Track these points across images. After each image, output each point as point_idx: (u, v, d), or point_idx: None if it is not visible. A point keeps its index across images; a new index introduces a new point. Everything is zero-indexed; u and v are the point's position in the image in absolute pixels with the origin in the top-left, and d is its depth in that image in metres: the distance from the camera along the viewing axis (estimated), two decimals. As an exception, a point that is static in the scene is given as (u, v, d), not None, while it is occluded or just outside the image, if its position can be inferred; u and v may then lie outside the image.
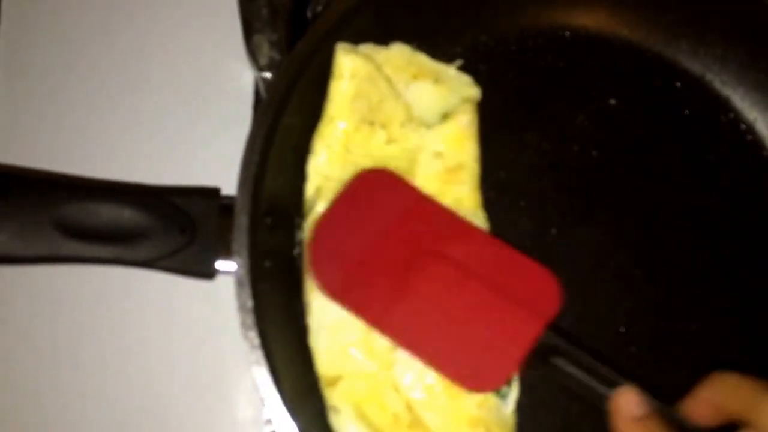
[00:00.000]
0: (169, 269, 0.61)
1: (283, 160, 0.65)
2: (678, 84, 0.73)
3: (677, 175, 0.71)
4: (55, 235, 0.60)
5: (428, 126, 0.67)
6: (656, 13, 0.73)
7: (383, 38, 0.69)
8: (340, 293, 0.61)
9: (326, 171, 0.65)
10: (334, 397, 0.62)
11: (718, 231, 0.70)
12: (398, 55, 0.69)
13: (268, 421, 0.58)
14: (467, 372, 0.60)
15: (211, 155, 0.72)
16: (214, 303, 0.68)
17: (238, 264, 0.59)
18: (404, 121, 0.67)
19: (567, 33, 0.74)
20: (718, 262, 0.70)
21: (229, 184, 0.62)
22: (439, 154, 0.66)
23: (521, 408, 0.64)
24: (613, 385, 0.57)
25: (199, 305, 0.70)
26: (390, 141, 0.66)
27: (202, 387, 0.70)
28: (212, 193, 0.62)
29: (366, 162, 0.65)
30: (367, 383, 0.62)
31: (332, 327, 0.62)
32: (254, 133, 0.62)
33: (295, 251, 0.66)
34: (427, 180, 0.66)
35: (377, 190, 0.64)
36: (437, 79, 0.69)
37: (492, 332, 0.60)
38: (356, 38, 0.67)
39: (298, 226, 0.66)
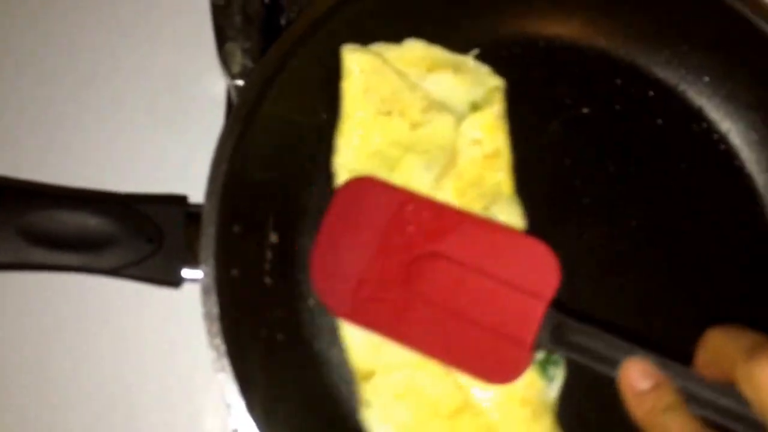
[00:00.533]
0: (136, 277, 0.61)
1: (254, 168, 0.65)
2: (651, 93, 0.73)
3: (649, 183, 0.71)
4: (21, 242, 0.59)
5: (457, 113, 0.68)
6: (629, 23, 0.73)
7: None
8: (350, 314, 0.62)
9: (352, 165, 0.67)
10: (367, 391, 0.63)
11: (689, 240, 0.70)
12: (411, 50, 0.70)
13: (235, 431, 0.57)
14: (487, 366, 0.60)
15: (183, 163, 0.72)
16: (181, 311, 0.68)
17: (204, 272, 0.59)
18: (425, 107, 0.68)
19: (541, 42, 0.74)
20: (689, 270, 0.69)
21: (200, 192, 0.62)
22: (477, 141, 0.67)
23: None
24: (627, 354, 0.54)
25: (166, 313, 0.70)
26: (415, 126, 0.67)
27: (168, 396, 0.70)
28: (179, 200, 0.62)
29: (394, 150, 0.67)
30: (403, 374, 0.63)
31: None
32: (222, 140, 0.62)
33: (269, 258, 0.66)
34: (468, 166, 0.67)
35: (361, 199, 0.64)
36: (456, 70, 0.70)
37: (500, 321, 0.59)
38: (330, 42, 0.68)
39: (274, 234, 0.67)
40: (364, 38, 0.69)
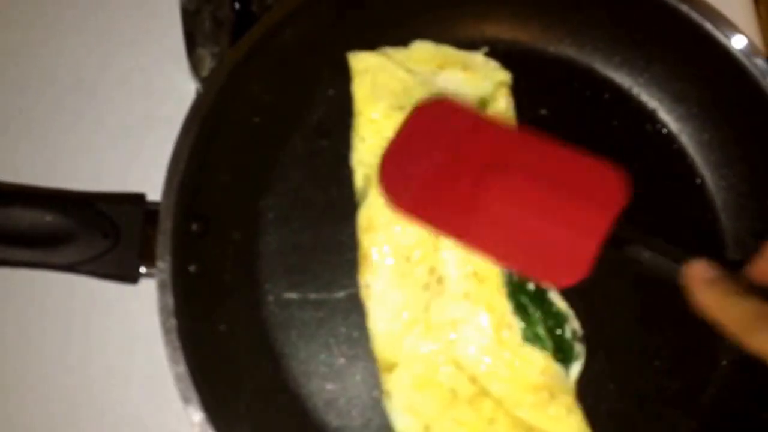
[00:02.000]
0: (92, 273, 0.62)
1: (212, 168, 0.66)
2: (607, 96, 0.75)
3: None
4: (-22, 238, 0.60)
5: None
6: (584, 29, 0.75)
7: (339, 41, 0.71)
8: (414, 208, 0.63)
9: (369, 160, 0.68)
10: (389, 382, 0.64)
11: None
12: (420, 51, 0.72)
13: (193, 424, 0.58)
14: (550, 267, 0.61)
15: (152, 163, 0.72)
16: (139, 306, 0.69)
17: (160, 268, 0.60)
18: None
19: (501, 46, 0.75)
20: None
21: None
22: None
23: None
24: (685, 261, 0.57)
25: (124, 309, 0.71)
26: None
27: (125, 390, 0.71)
28: (137, 199, 0.64)
29: None
30: (424, 364, 0.64)
31: (394, 307, 0.65)
32: (180, 140, 0.63)
33: (230, 255, 0.68)
34: None
35: (437, 117, 0.66)
36: (465, 67, 0.72)
37: (567, 229, 0.61)
38: (288, 47, 0.69)
39: (236, 232, 0.68)
40: (320, 43, 0.71)
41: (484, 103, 0.70)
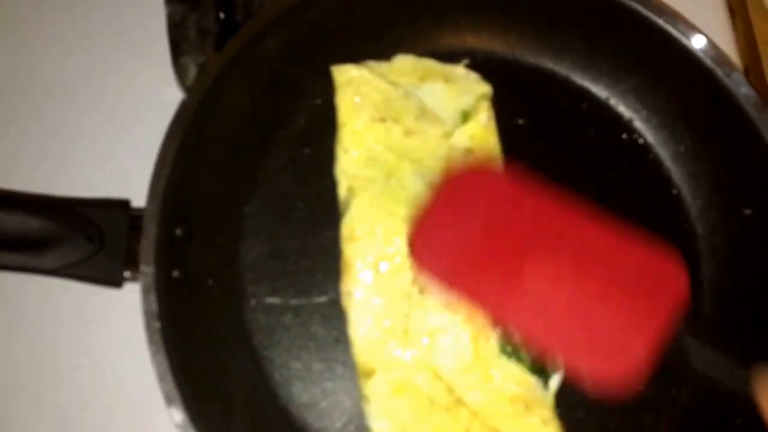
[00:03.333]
0: (78, 277, 0.63)
1: (196, 174, 0.67)
2: (584, 106, 0.76)
3: (582, 192, 0.73)
4: (-37, 242, 0.61)
5: (448, 123, 0.72)
6: (563, 41, 0.76)
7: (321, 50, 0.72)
8: (451, 279, 0.60)
9: (352, 171, 0.70)
10: (368, 387, 0.66)
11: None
12: (402, 63, 0.73)
13: (175, 424, 0.59)
14: (597, 365, 0.56)
15: (137, 170, 0.73)
16: (123, 310, 0.70)
17: (144, 272, 0.61)
18: (418, 114, 0.71)
19: (479, 56, 0.77)
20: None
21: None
22: (469, 150, 0.71)
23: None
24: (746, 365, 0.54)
25: (109, 312, 0.72)
26: (408, 133, 0.70)
27: (108, 393, 0.72)
28: (122, 204, 0.65)
29: (389, 156, 0.69)
30: (403, 371, 0.66)
31: (375, 314, 0.66)
32: (164, 147, 0.64)
33: (213, 260, 0.69)
34: None
35: (474, 186, 0.63)
36: (447, 79, 0.73)
37: (620, 324, 0.56)
38: (271, 57, 0.70)
39: (219, 237, 0.70)
40: (303, 52, 0.72)
41: (465, 116, 0.72)
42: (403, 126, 0.70)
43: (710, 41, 0.70)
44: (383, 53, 0.74)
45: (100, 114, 0.79)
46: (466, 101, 0.72)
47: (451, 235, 0.61)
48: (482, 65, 0.76)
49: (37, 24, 0.82)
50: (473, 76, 0.74)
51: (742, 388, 0.55)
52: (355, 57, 0.73)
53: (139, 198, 0.64)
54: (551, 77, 0.77)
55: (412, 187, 0.69)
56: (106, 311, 0.72)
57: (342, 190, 0.70)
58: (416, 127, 0.71)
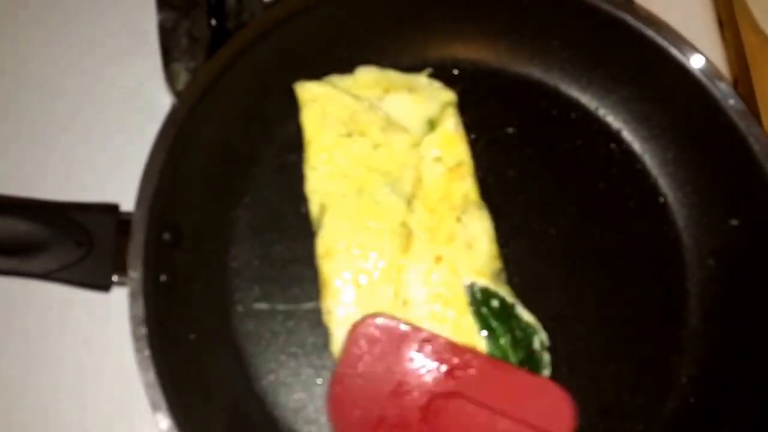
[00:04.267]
0: (66, 281, 0.63)
1: (185, 179, 0.67)
2: (573, 115, 0.77)
3: (569, 202, 0.74)
4: (-50, 245, 0.61)
5: (415, 133, 0.72)
6: (551, 50, 0.77)
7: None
8: None
9: (323, 188, 0.70)
10: None
11: (606, 257, 0.73)
12: (365, 76, 0.73)
13: (161, 430, 0.59)
14: None
15: (126, 175, 0.73)
16: (111, 314, 0.70)
17: (132, 277, 0.62)
18: (384, 126, 0.71)
19: (469, 66, 0.77)
20: (603, 273, 0.73)
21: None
22: (438, 159, 0.71)
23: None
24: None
25: (96, 316, 0.73)
26: (376, 146, 0.71)
27: (96, 398, 0.72)
28: (111, 208, 0.65)
29: (358, 170, 0.70)
30: None
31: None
32: (153, 152, 0.65)
33: (201, 266, 0.69)
34: (435, 184, 0.70)
35: (378, 339, 0.65)
36: (411, 89, 0.73)
37: None
38: (263, 65, 0.71)
39: (206, 243, 0.70)
40: (295, 58, 0.72)
41: (432, 123, 0.72)
42: (371, 139, 0.71)
43: (700, 53, 0.70)
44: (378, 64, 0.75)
45: (90, 118, 0.79)
46: (431, 109, 0.73)
47: (359, 395, 0.64)
48: (473, 75, 0.77)
49: (27, 28, 0.83)
50: (437, 85, 0.74)
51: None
52: (348, 64, 0.74)
53: (128, 202, 0.64)
54: (540, 87, 0.77)
55: (385, 200, 0.69)
56: (93, 315, 0.72)
57: (314, 208, 0.70)
58: (383, 139, 0.71)
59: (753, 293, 0.69)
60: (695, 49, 0.70)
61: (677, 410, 0.70)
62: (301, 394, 0.69)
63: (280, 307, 0.70)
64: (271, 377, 0.69)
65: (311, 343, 0.70)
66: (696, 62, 0.70)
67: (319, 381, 0.69)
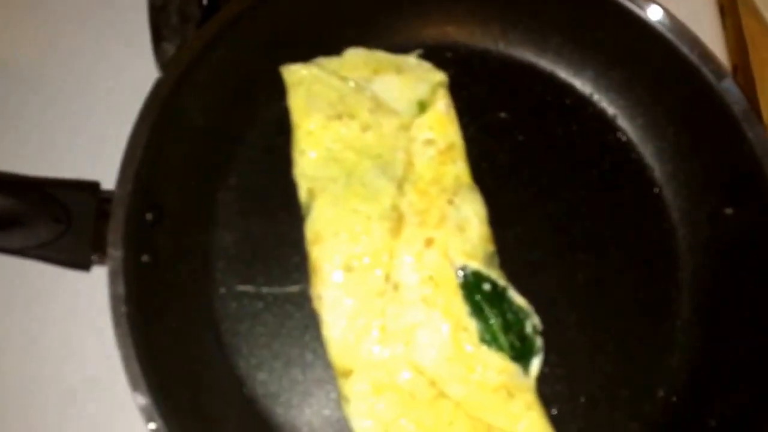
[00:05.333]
0: (44, 258, 0.62)
1: (172, 159, 0.66)
2: (567, 101, 0.76)
3: (562, 189, 0.73)
4: (-73, 220, 0.61)
5: (404, 115, 0.70)
6: (547, 34, 0.76)
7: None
8: None
9: (311, 173, 0.68)
10: (345, 388, 0.64)
11: (599, 245, 0.72)
12: (353, 57, 0.72)
13: (139, 408, 0.59)
14: None
15: (110, 153, 0.72)
16: (92, 294, 0.69)
17: (112, 256, 0.61)
18: (373, 108, 0.70)
19: (462, 49, 0.76)
20: (597, 271, 0.72)
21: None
22: (429, 141, 0.70)
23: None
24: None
25: (77, 295, 0.72)
26: (365, 128, 0.69)
27: (74, 378, 0.71)
28: (91, 186, 0.64)
29: (347, 153, 0.68)
30: (382, 369, 0.65)
31: (349, 315, 0.65)
32: (136, 129, 0.64)
33: (185, 246, 0.68)
34: (426, 166, 0.69)
35: None
36: (400, 70, 0.72)
37: None
38: (248, 43, 0.70)
39: (191, 223, 0.69)
40: (282, 37, 0.71)
41: (422, 105, 0.71)
42: (359, 121, 0.69)
43: (698, 39, 0.69)
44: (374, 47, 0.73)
45: (75, 95, 0.78)
46: (421, 91, 0.71)
47: None
48: (466, 58, 0.76)
49: (11, 4, 0.82)
50: (426, 66, 0.73)
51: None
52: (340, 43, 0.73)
53: (109, 180, 0.63)
54: (534, 71, 0.76)
55: (374, 184, 0.68)
56: (74, 294, 0.72)
57: (302, 193, 0.68)
58: (373, 122, 0.69)
59: (746, 283, 0.68)
60: (692, 35, 0.69)
61: (666, 400, 0.69)
62: (283, 379, 0.68)
63: (264, 290, 0.69)
64: (252, 360, 0.68)
65: (295, 327, 0.69)
66: (693, 49, 0.69)
67: (301, 365, 0.68)
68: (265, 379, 0.68)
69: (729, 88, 0.68)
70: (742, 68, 0.82)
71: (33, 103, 0.78)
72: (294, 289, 0.69)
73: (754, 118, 0.68)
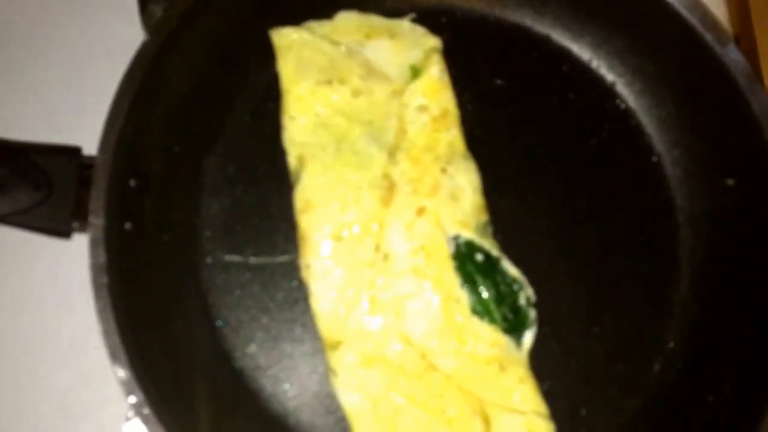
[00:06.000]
0: (23, 225, 0.60)
1: (153, 124, 0.64)
2: (565, 67, 0.74)
3: (560, 157, 0.71)
4: None
5: (397, 81, 0.69)
6: (542, -1, 0.73)
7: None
8: None
9: (301, 139, 0.67)
10: (333, 360, 0.63)
11: (596, 215, 0.71)
12: (345, 21, 0.70)
13: (119, 380, 0.57)
14: None
15: (92, 116, 0.70)
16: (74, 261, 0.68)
17: (93, 223, 0.59)
18: (364, 74, 0.68)
19: (458, 14, 0.74)
20: (594, 242, 0.70)
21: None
22: (423, 108, 0.68)
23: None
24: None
25: (58, 263, 0.70)
26: (356, 94, 0.67)
27: (57, 347, 0.70)
28: (73, 151, 0.62)
29: (338, 119, 0.67)
30: (371, 341, 0.63)
31: (338, 286, 0.64)
32: (120, 93, 0.62)
33: (170, 215, 0.66)
34: (419, 134, 0.67)
35: None
36: (392, 35, 0.70)
37: None
38: (240, 2, 0.68)
39: (177, 192, 0.67)
40: (273, 3, 0.69)
41: (415, 71, 0.69)
42: (350, 87, 0.67)
43: (700, 3, 0.67)
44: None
45: (58, 58, 0.77)
46: (414, 56, 0.70)
47: None
48: (460, 23, 0.74)
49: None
50: (420, 30, 0.71)
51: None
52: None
53: (92, 146, 0.61)
54: (531, 36, 0.74)
55: (365, 151, 0.66)
56: (55, 262, 0.70)
57: (292, 160, 0.67)
58: (364, 87, 0.68)
59: (746, 257, 0.67)
60: (696, 3, 0.67)
61: (662, 375, 0.68)
62: (271, 352, 0.67)
63: (253, 260, 0.68)
64: (240, 332, 0.67)
65: (283, 299, 0.67)
66: (696, 15, 0.67)
67: (289, 337, 0.67)
68: (253, 353, 0.67)
69: (732, 55, 0.66)
70: (744, 37, 0.80)
71: (13, 65, 0.76)
72: (283, 258, 0.68)
73: (758, 86, 0.66)
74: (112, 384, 0.58)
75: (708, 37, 0.67)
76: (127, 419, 0.63)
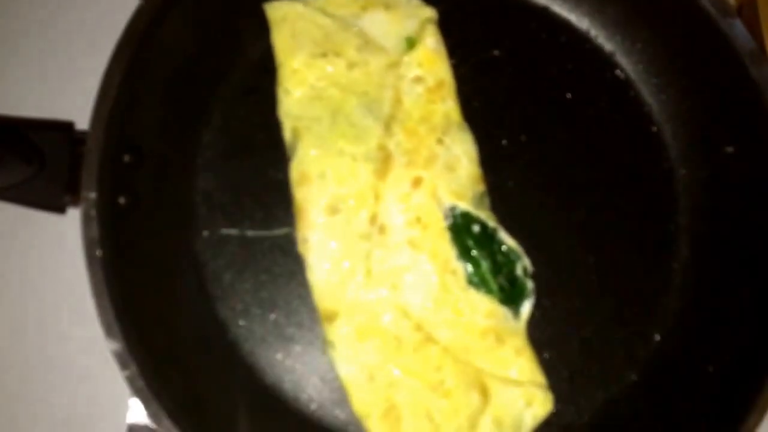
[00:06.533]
0: (16, 200, 0.60)
1: (150, 99, 0.64)
2: (563, 38, 0.73)
3: (557, 128, 0.71)
4: None
5: (393, 52, 0.68)
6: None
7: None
8: None
9: (296, 112, 0.66)
10: (330, 332, 0.63)
11: (595, 185, 0.70)
12: None
13: (113, 353, 0.57)
14: None
15: (84, 90, 0.69)
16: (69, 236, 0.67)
17: (86, 198, 0.59)
18: (360, 45, 0.67)
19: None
20: (593, 212, 0.70)
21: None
22: (418, 79, 0.67)
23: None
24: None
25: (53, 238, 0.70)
26: (351, 66, 0.67)
27: (51, 322, 0.70)
28: (65, 126, 0.62)
29: (334, 91, 0.66)
30: (367, 313, 0.63)
31: (334, 258, 0.63)
32: (112, 66, 0.61)
33: (166, 190, 0.66)
34: (415, 105, 0.67)
35: None
36: (388, 6, 0.69)
37: None
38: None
39: (172, 167, 0.67)
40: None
41: (411, 42, 0.68)
42: (346, 59, 0.67)
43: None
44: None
45: (45, 26, 0.76)
46: (410, 27, 0.69)
47: None
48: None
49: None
50: (415, 1, 0.70)
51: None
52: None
53: (85, 120, 0.61)
54: (528, 6, 0.73)
55: (361, 123, 0.66)
56: (49, 237, 0.70)
57: (287, 133, 0.66)
58: (359, 59, 0.67)
59: (745, 224, 0.66)
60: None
61: (662, 345, 0.67)
62: (267, 324, 0.67)
63: (250, 233, 0.67)
64: (237, 306, 0.66)
65: (280, 273, 0.67)
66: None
67: (285, 311, 0.67)
68: (250, 325, 0.66)
69: (734, 25, 0.65)
70: (747, 6, 0.79)
71: (3, 40, 0.76)
72: (280, 232, 0.67)
73: (760, 56, 0.65)
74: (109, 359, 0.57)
75: (709, 6, 0.66)
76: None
